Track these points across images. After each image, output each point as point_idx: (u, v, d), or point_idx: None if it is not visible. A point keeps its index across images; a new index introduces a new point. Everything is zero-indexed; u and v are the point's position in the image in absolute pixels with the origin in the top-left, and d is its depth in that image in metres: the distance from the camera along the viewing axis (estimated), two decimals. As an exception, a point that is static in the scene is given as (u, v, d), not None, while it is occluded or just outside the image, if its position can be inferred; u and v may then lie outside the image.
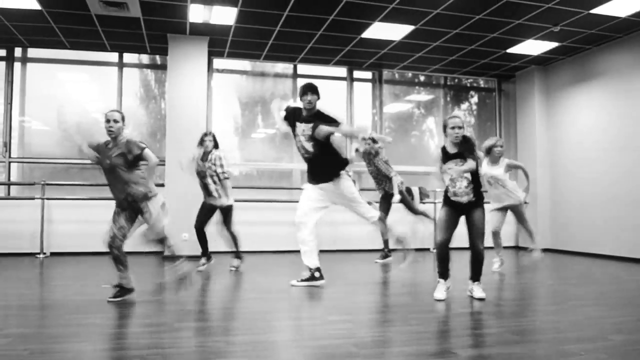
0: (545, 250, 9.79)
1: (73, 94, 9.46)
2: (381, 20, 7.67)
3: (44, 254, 8.09)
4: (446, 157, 4.89)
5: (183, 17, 7.64)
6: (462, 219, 4.92)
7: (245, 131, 10.01)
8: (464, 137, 4.86)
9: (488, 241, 6.54)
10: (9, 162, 8.75)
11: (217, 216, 6.77)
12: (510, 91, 11.04)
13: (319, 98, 5.59)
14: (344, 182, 5.61)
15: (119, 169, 4.62)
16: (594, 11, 7.28)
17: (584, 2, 7.04)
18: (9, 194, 8.73)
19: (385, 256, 7.82)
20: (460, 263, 5.68)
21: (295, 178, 9.83)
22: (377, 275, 6.79)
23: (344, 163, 5.67)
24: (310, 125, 5.46)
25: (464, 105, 11.20)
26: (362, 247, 9.03)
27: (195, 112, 8.47)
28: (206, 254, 6.88)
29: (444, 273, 4.97)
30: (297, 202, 5.82)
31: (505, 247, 8.43)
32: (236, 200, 8.46)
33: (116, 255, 4.65)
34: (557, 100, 9.92)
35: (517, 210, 6.98)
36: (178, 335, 3.63)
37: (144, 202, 4.66)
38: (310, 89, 5.53)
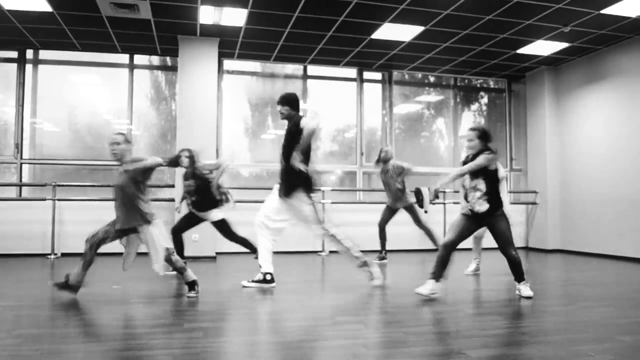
0: (554, 251, 9.78)
1: (84, 95, 9.53)
2: (391, 21, 7.65)
3: (55, 254, 8.14)
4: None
5: (193, 18, 7.67)
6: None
7: (255, 132, 10.02)
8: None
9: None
10: (21, 164, 8.82)
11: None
12: (521, 92, 10.99)
13: (291, 109, 5.40)
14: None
15: (125, 188, 4.70)
16: (604, 11, 7.22)
17: (594, 3, 6.98)
18: (20, 195, 8.79)
19: (382, 258, 7.98)
20: (461, 264, 5.64)
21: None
22: (386, 276, 6.76)
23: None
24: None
25: (474, 106, 11.16)
26: (372, 248, 8.98)
27: (206, 113, 8.48)
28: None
29: (437, 274, 4.96)
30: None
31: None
32: (245, 202, 8.52)
33: (85, 250, 4.74)
34: (568, 100, 9.86)
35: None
36: (188, 335, 3.62)
37: (141, 224, 4.73)
38: (280, 101, 5.43)
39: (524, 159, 10.84)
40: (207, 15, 7.53)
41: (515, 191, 10.70)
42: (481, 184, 4.89)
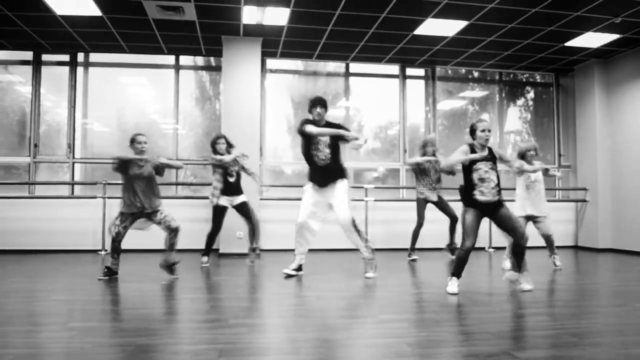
0: (605, 250, 9.48)
1: (132, 96, 9.79)
2: (434, 17, 7.56)
3: (106, 250, 8.34)
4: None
5: (237, 18, 7.76)
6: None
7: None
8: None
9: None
10: (73, 163, 9.14)
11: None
12: (569, 86, 10.68)
13: (327, 111, 6.05)
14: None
15: (153, 179, 5.84)
16: (658, 1, 6.96)
17: (647, -8, 6.74)
18: (72, 193, 9.10)
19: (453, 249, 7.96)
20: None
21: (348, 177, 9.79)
22: (430, 273, 6.72)
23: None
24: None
25: (520, 101, 10.90)
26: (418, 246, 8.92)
27: (249, 112, 8.58)
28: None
29: (459, 274, 5.19)
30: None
31: (562, 247, 8.09)
32: (287, 199, 8.58)
33: (116, 246, 5.82)
34: (619, 95, 9.52)
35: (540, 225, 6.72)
36: (233, 331, 3.64)
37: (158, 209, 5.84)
38: (320, 103, 5.96)
39: (572, 155, 10.54)
40: (250, 15, 7.60)
41: (564, 188, 10.41)
42: (494, 175, 5.03)
